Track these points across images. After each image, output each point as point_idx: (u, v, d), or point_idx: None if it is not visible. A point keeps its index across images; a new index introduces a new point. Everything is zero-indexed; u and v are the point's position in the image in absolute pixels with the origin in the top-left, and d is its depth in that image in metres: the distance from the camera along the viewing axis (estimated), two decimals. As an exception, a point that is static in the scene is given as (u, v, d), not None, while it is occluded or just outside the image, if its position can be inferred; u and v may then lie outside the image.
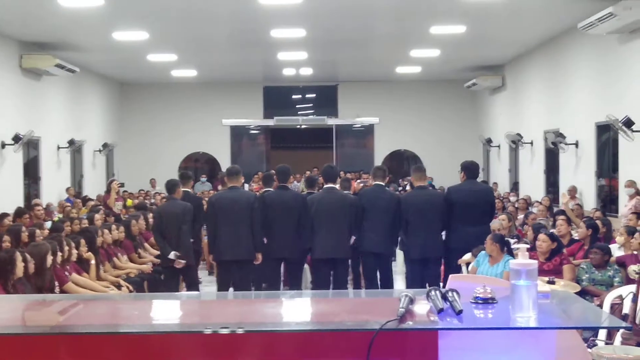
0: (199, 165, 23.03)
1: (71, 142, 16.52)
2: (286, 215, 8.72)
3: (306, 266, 9.94)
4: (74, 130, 17.08)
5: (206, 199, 12.01)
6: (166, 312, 3.54)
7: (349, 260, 9.19)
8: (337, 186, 9.59)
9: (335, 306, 3.61)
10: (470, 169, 8.99)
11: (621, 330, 5.48)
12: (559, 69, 14.70)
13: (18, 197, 13.73)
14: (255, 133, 24.09)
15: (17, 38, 13.80)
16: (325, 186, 9.01)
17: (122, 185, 16.33)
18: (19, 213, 10.93)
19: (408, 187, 15.54)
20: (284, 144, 24.24)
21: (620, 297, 6.27)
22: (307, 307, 3.63)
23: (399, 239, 9.12)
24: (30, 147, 14.71)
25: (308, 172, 18.38)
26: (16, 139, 13.43)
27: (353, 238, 8.73)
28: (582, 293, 6.93)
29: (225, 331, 2.83)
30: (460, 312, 2.88)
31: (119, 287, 8.53)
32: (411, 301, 2.95)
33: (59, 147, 16.21)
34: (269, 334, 2.99)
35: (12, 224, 9.46)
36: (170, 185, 9.39)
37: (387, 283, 8.98)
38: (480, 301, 3.11)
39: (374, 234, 8.67)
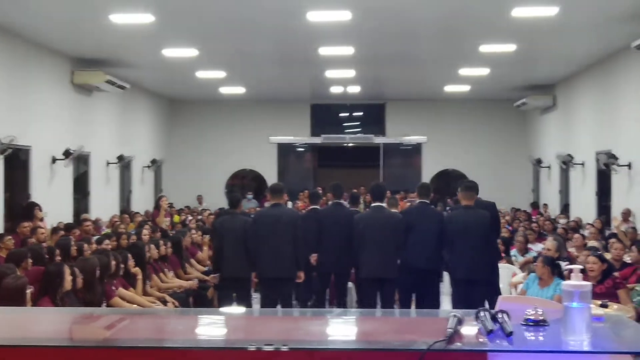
0: (245, 182, 23.12)
1: (120, 158, 16.71)
2: (337, 230, 8.77)
3: (351, 285, 9.85)
4: (123, 146, 17.28)
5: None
6: (210, 327, 3.52)
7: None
8: (385, 204, 9.49)
9: (381, 325, 3.56)
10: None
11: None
12: (611, 89, 14.42)
13: (68, 211, 13.90)
14: (301, 151, 24.13)
15: (69, 54, 14.03)
16: (373, 204, 8.88)
17: (170, 204, 16.46)
18: (68, 227, 11.08)
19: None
20: (330, 162, 24.24)
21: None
22: (352, 325, 3.57)
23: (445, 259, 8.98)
24: (80, 162, 14.91)
25: (355, 190, 18.27)
26: (66, 154, 13.61)
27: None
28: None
29: (269, 348, 2.79)
30: (510, 334, 2.81)
31: (164, 302, 8.56)
32: (460, 322, 2.89)
33: (108, 163, 16.39)
34: (313, 352, 2.94)
35: (62, 238, 9.58)
36: (236, 200, 9.51)
37: (435, 303, 8.85)
38: (531, 323, 3.02)
39: (418, 250, 8.52)
